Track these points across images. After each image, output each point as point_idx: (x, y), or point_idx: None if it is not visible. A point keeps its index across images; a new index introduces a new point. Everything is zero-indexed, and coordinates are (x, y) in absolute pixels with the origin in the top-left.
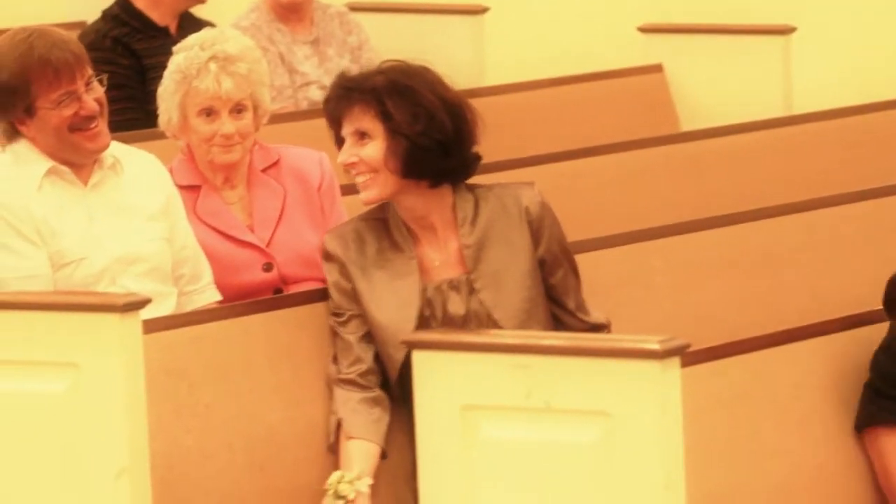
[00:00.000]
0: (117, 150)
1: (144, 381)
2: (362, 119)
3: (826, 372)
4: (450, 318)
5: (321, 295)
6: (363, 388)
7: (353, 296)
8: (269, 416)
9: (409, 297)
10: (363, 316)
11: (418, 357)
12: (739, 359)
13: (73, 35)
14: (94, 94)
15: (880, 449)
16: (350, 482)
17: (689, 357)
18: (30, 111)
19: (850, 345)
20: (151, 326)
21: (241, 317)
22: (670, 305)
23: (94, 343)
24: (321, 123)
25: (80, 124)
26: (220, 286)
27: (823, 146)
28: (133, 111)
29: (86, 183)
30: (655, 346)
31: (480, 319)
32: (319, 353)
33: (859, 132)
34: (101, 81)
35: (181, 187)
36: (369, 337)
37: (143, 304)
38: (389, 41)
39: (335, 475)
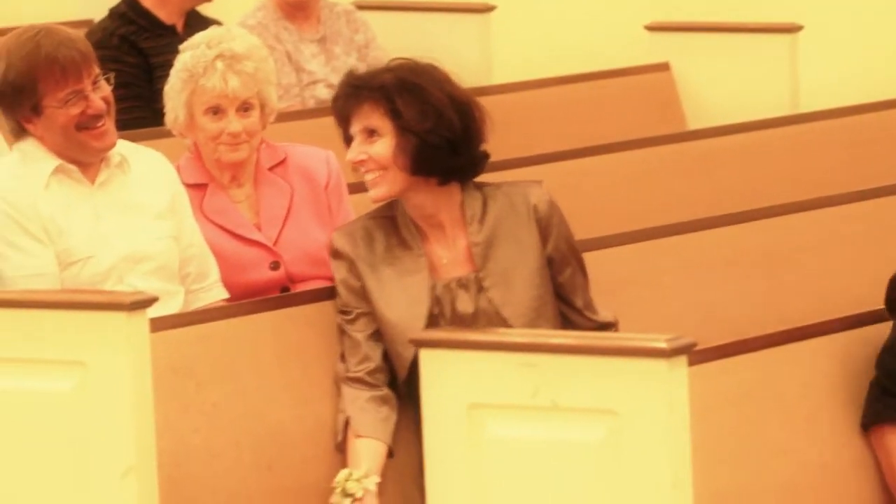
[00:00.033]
0: (124, 149)
1: (152, 379)
2: (371, 116)
3: (833, 370)
4: (459, 317)
5: (329, 293)
6: (371, 386)
7: (362, 293)
8: (277, 414)
9: (419, 294)
10: (371, 314)
11: (425, 355)
12: (747, 357)
13: (80, 33)
14: (100, 93)
15: (887, 447)
16: (358, 480)
17: (697, 356)
18: (37, 110)
19: (858, 343)
20: (159, 325)
21: (248, 315)
22: (677, 304)
23: (102, 341)
24: (328, 122)
25: (87, 123)
26: (228, 285)
27: (830, 144)
28: (140, 109)
29: (93, 181)
30: (663, 345)
31: (489, 317)
32: (327, 351)
33: (866, 130)
34: (107, 80)
35: (188, 186)
36: (377, 335)
37: (150, 302)
38: (396, 40)
39: (343, 473)
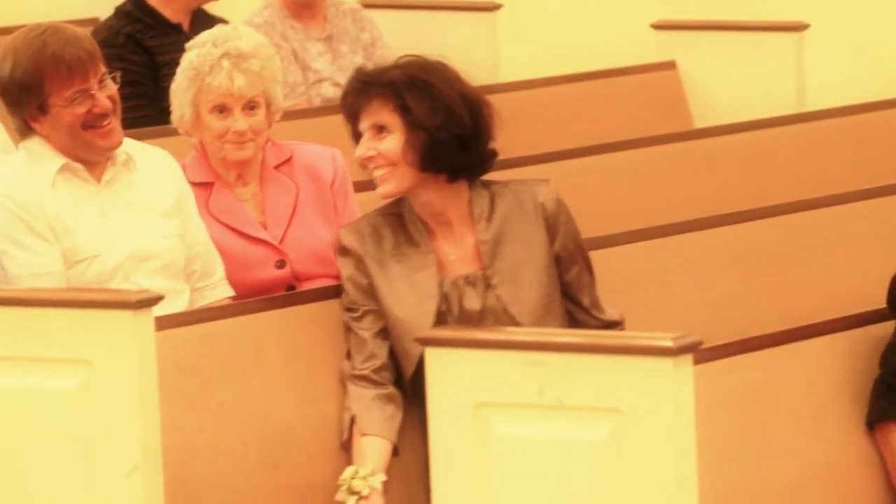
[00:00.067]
0: (130, 147)
1: (157, 377)
2: (381, 113)
3: (839, 369)
4: (466, 314)
5: (335, 291)
6: (377, 384)
7: (369, 291)
8: (283, 412)
9: (428, 291)
10: (378, 311)
11: (431, 354)
12: (752, 356)
13: (87, 32)
14: (106, 92)
15: (892, 444)
16: (364, 478)
17: (702, 354)
18: (43, 109)
19: (863, 342)
20: (164, 323)
21: (254, 313)
22: (683, 302)
23: (107, 340)
24: (334, 120)
25: (93, 122)
26: (233, 283)
27: (836, 143)
28: (146, 108)
29: (99, 180)
30: (668, 344)
31: (497, 315)
32: (333, 349)
33: (872, 129)
34: (114, 79)
35: (194, 184)
36: (384, 333)
37: (155, 300)
38: (403, 38)
39: (349, 471)
